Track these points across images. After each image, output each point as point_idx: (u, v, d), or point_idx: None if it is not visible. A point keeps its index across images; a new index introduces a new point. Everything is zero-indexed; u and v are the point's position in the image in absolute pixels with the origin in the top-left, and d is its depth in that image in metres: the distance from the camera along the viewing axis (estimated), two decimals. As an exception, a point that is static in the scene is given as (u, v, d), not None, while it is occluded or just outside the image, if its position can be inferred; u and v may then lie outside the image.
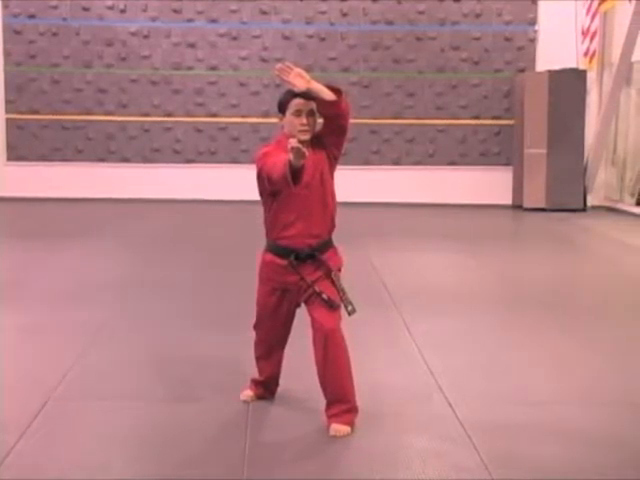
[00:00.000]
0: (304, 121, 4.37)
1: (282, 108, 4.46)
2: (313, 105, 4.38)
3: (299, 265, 4.40)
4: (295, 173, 4.07)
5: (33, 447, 4.19)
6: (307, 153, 4.01)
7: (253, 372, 4.79)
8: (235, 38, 16.01)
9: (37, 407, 4.72)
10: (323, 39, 16.01)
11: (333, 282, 4.41)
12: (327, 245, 4.51)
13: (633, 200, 15.08)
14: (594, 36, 15.20)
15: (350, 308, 4.42)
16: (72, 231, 12.04)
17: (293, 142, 4.01)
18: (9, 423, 4.46)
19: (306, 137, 4.37)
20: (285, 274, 4.44)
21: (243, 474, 3.90)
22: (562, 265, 9.86)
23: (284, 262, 4.42)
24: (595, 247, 11.97)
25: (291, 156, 3.98)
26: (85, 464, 4.02)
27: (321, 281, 4.41)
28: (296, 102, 4.39)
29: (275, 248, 4.48)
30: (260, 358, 4.79)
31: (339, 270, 4.51)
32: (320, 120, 4.44)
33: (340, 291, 4.41)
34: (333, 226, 4.56)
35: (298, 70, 4.26)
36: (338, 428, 4.37)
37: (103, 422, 4.61)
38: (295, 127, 4.39)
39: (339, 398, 4.41)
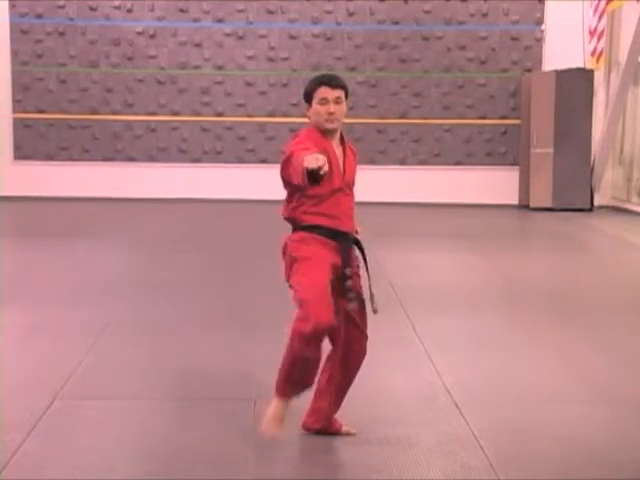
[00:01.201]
0: (331, 110, 4.15)
1: (308, 98, 4.24)
2: (340, 93, 4.19)
3: None
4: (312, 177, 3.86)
5: (39, 447, 4.19)
6: (325, 165, 3.79)
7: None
8: (241, 38, 16.01)
9: (43, 407, 4.72)
10: (329, 39, 16.00)
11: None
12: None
13: (640, 200, 15.07)
14: (601, 36, 15.16)
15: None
16: (78, 230, 12.05)
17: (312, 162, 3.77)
18: (15, 423, 4.46)
19: (333, 126, 4.18)
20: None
21: (248, 474, 3.89)
22: (568, 265, 9.84)
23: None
24: (601, 247, 11.95)
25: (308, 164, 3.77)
26: (91, 464, 4.02)
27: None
28: (322, 90, 4.18)
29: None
30: None
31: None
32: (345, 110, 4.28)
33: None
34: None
35: None
36: (351, 427, 4.41)
37: (109, 422, 4.61)
38: (322, 116, 4.17)
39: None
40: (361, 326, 4.28)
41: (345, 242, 4.18)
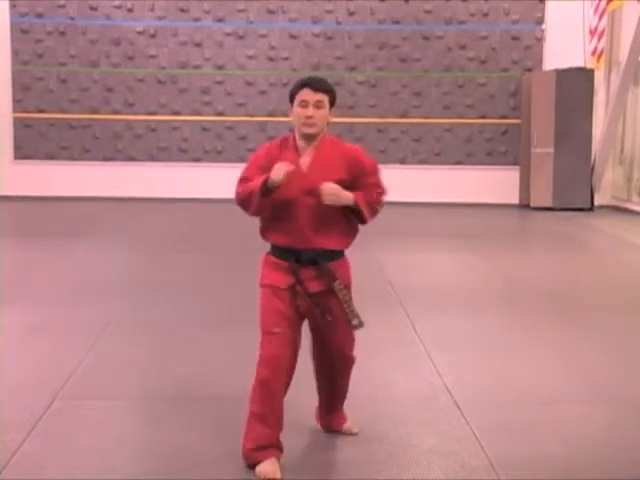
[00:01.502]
0: (309, 113, 3.93)
1: (291, 99, 4.03)
2: (322, 97, 3.97)
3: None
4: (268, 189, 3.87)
5: (39, 447, 4.19)
6: (291, 169, 3.82)
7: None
8: (242, 37, 16.01)
9: (43, 407, 4.71)
10: (330, 38, 16.00)
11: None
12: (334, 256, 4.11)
13: (640, 199, 15.06)
14: (602, 35, 15.17)
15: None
16: (78, 230, 12.05)
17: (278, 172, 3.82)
18: (15, 423, 4.46)
19: (311, 130, 3.96)
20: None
21: (248, 474, 3.89)
22: (568, 265, 9.84)
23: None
24: (602, 247, 11.95)
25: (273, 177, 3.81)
26: (91, 464, 4.01)
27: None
28: (304, 92, 3.97)
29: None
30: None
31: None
32: (330, 119, 4.04)
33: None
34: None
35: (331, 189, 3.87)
36: (353, 426, 4.40)
37: (109, 422, 4.61)
38: (300, 119, 3.96)
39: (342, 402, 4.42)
40: (336, 343, 4.13)
41: (299, 262, 3.96)
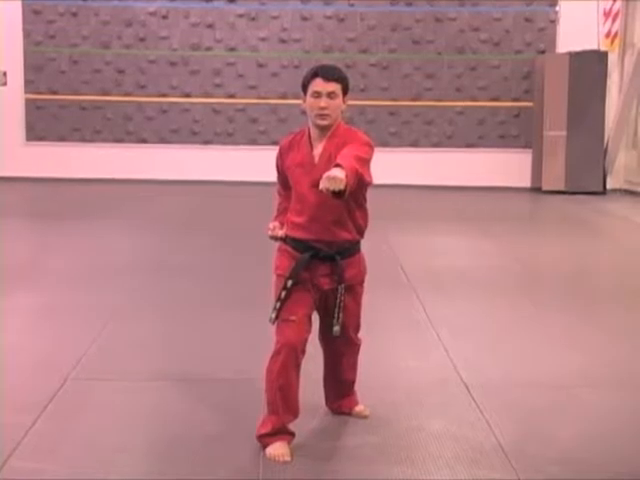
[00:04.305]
0: (322, 104, 3.87)
1: (304, 88, 3.97)
2: (335, 87, 3.90)
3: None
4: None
5: (51, 427, 4.21)
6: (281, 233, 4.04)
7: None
8: (254, 19, 15.95)
9: (54, 388, 4.73)
10: (342, 20, 15.93)
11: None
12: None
13: (653, 183, 14.98)
14: (616, 17, 15.07)
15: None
16: (89, 212, 12.08)
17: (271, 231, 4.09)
18: (27, 403, 4.48)
19: (324, 123, 3.91)
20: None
21: (261, 456, 3.90)
22: (580, 248, 9.80)
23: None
24: (614, 230, 11.90)
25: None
26: (102, 443, 4.03)
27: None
28: (316, 82, 3.90)
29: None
30: None
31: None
32: (344, 107, 3.99)
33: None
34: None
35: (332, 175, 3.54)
36: (364, 409, 4.40)
37: (120, 403, 4.62)
38: (313, 111, 3.91)
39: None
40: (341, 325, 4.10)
41: (316, 257, 3.96)
